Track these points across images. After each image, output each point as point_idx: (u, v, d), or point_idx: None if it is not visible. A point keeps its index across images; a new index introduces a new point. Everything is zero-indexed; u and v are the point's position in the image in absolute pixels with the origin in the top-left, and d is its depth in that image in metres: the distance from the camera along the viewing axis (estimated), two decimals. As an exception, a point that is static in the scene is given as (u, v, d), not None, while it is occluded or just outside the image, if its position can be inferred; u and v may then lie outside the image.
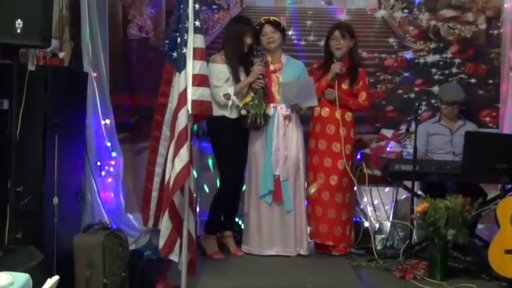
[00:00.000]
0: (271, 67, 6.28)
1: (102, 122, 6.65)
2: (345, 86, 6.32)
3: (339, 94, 6.22)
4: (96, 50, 6.59)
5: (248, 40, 6.16)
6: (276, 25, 6.26)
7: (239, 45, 6.14)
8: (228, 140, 6.15)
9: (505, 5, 6.97)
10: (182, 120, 4.83)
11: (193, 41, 4.95)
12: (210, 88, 5.81)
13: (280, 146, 6.14)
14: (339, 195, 6.27)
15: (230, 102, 6.06)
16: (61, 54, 6.09)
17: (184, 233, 4.89)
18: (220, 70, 6.08)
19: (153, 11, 7.08)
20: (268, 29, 6.23)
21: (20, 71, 5.00)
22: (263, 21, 6.25)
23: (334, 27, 6.37)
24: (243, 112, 6.05)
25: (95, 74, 6.56)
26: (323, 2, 7.14)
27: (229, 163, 6.17)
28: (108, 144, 6.72)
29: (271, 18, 6.30)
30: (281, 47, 6.35)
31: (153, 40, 7.08)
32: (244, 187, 6.39)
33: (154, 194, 5.70)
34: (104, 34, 6.73)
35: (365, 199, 6.80)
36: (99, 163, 6.61)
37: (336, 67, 6.23)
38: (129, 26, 7.07)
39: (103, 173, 6.71)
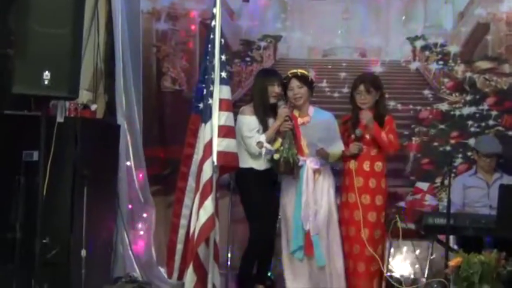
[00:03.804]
0: (299, 120, 6.17)
1: (135, 175, 6.65)
2: (369, 136, 6.18)
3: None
4: (130, 103, 6.65)
5: (276, 89, 6.08)
6: (304, 79, 6.16)
7: (264, 96, 6.08)
8: (256, 191, 6.03)
9: (542, 56, 6.88)
10: (207, 172, 4.81)
11: (220, 92, 4.95)
12: (243, 139, 5.84)
13: (310, 201, 6.02)
14: (370, 248, 6.12)
15: (264, 150, 5.99)
16: (93, 107, 6.16)
17: (209, 286, 4.83)
18: (250, 122, 6.03)
19: (186, 64, 7.11)
20: (294, 83, 6.12)
21: (48, 123, 5.02)
22: (290, 75, 6.16)
23: (360, 81, 6.22)
24: (276, 156, 5.94)
25: (128, 126, 6.58)
26: (357, 54, 7.12)
27: (258, 214, 6.03)
28: (141, 196, 6.70)
29: (299, 71, 6.16)
30: (309, 100, 6.23)
31: (186, 92, 7.12)
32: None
33: (179, 247, 5.66)
34: (137, 87, 6.79)
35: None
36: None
37: (354, 148, 6.14)
38: (163, 78, 7.14)
39: (136, 225, 6.71)
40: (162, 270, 6.74)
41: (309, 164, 6.07)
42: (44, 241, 4.99)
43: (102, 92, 6.74)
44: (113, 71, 6.67)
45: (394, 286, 6.25)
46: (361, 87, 6.18)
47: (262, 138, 5.99)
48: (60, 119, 5.16)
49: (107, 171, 6.13)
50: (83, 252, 5.41)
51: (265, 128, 6.06)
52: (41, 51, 4.74)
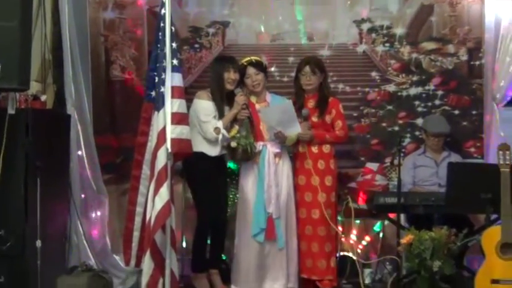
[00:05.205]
0: (257, 106, 6.27)
1: (87, 164, 6.63)
2: (315, 119, 6.28)
3: (311, 135, 6.22)
4: (79, 92, 6.58)
5: (232, 75, 6.15)
6: (259, 66, 6.26)
7: (220, 82, 6.14)
8: (204, 176, 6.09)
9: (486, 36, 6.98)
10: (161, 159, 4.84)
11: (172, 79, 4.97)
12: (199, 124, 5.86)
13: (272, 184, 6.11)
14: (322, 228, 6.19)
15: (220, 136, 6.03)
16: (43, 97, 6.13)
17: (167, 272, 4.88)
18: (205, 107, 6.08)
19: (135, 52, 7.09)
20: (251, 71, 6.22)
21: (-1, 115, 5.01)
22: (245, 63, 6.25)
23: (305, 63, 6.34)
24: (233, 144, 6.02)
25: (78, 116, 6.55)
26: (304, 38, 7.17)
27: (205, 199, 6.12)
28: (94, 185, 6.68)
29: (253, 59, 6.28)
30: (265, 86, 6.33)
31: (135, 80, 7.08)
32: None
33: (136, 234, 5.69)
34: (86, 76, 6.73)
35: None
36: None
37: (303, 128, 6.20)
38: (112, 67, 7.08)
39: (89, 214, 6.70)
40: (117, 258, 6.73)
41: (270, 148, 6.15)
42: (-1, 233, 4.99)
43: (50, 83, 6.69)
44: (60, 61, 6.60)
45: (347, 265, 6.39)
46: (307, 69, 6.29)
47: (220, 124, 6.04)
48: (11, 110, 5.14)
49: (59, 162, 6.11)
50: (38, 243, 5.39)
51: (221, 114, 6.10)
52: (-10, 44, 4.74)
